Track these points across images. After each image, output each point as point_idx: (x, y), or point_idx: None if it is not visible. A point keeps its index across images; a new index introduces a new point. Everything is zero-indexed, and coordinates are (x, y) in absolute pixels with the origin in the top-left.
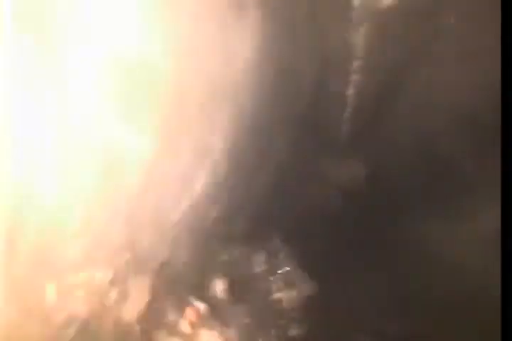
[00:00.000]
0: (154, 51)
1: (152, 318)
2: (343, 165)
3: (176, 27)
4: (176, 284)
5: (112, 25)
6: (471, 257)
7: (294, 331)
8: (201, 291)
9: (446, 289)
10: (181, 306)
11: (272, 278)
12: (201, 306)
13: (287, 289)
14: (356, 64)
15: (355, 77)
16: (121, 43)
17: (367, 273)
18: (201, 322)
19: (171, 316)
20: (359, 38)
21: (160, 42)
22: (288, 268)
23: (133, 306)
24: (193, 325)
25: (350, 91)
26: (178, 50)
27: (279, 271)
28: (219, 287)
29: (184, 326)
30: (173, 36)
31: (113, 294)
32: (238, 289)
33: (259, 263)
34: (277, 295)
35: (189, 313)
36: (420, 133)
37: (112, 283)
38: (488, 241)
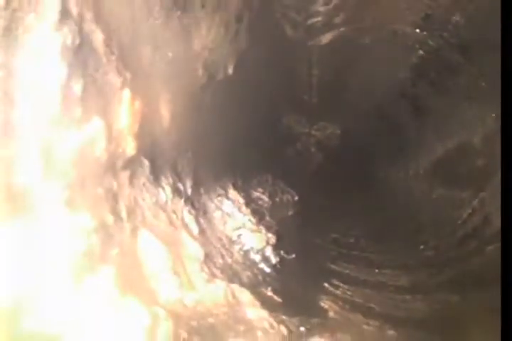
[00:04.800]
0: None
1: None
2: (317, 126)
3: None
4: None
5: None
6: (420, 191)
7: None
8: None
9: (409, 216)
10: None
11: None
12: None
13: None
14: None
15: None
16: None
17: (343, 206)
18: None
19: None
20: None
21: None
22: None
23: None
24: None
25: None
26: None
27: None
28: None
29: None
30: None
31: None
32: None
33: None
34: None
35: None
36: (372, 99)
37: None
38: (429, 176)
